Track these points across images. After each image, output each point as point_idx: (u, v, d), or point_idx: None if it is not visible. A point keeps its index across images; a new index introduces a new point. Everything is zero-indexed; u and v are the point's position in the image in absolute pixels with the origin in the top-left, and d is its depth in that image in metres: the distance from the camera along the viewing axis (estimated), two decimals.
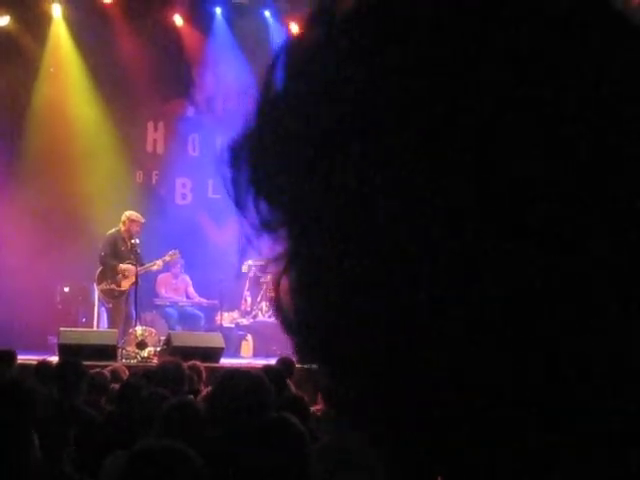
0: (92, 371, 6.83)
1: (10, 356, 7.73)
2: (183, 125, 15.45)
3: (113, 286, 12.21)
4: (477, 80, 0.53)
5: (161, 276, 13.92)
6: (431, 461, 0.56)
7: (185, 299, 14.00)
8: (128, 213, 12.44)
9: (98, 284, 12.30)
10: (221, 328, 12.96)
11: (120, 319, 12.13)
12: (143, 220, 12.49)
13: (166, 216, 14.30)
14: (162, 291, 13.98)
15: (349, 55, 0.56)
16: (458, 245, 0.52)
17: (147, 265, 12.36)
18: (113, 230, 12.42)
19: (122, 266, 12.21)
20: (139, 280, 12.00)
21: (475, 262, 0.52)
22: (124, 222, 12.37)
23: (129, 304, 12.12)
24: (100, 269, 12.31)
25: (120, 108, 14.56)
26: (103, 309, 12.72)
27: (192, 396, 5.66)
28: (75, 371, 6.25)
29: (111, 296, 12.23)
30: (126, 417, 5.19)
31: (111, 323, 12.29)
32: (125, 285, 12.19)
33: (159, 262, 12.53)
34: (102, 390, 6.71)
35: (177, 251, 12.78)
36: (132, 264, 12.03)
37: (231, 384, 3.76)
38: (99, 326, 12.54)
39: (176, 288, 14.09)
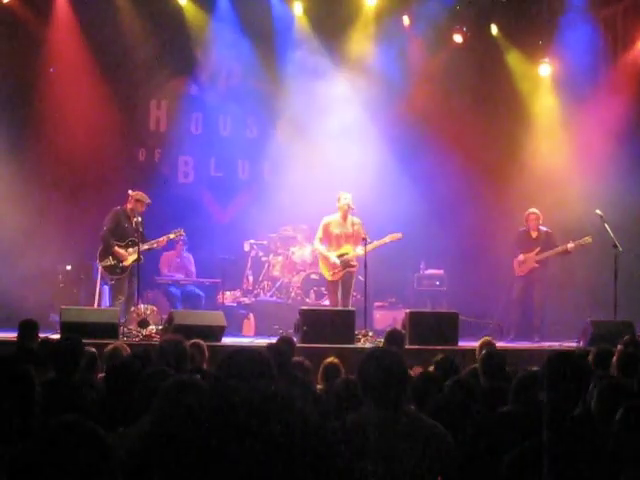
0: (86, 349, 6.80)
1: (35, 326, 8.50)
2: (186, 103, 15.38)
3: (116, 262, 12.16)
4: None
5: (165, 254, 13.92)
6: None
7: (187, 277, 14.00)
8: (134, 193, 12.36)
9: (100, 261, 12.24)
10: (223, 307, 12.98)
11: (122, 297, 12.10)
12: (149, 201, 12.40)
13: (168, 194, 14.27)
14: (164, 270, 13.98)
15: None
16: None
17: (150, 242, 12.29)
18: (118, 207, 12.36)
19: (117, 249, 12.13)
20: (142, 258, 11.96)
21: None
22: (130, 201, 12.30)
23: (131, 282, 12.08)
24: (102, 246, 12.26)
25: (123, 86, 14.52)
26: (105, 287, 12.70)
27: (199, 375, 5.64)
28: (72, 349, 6.23)
29: (113, 272, 12.18)
30: (127, 395, 5.17)
31: (113, 300, 12.26)
32: (128, 261, 12.14)
33: (162, 239, 12.44)
34: (94, 367, 6.72)
35: (181, 229, 12.69)
36: (135, 242, 11.98)
37: (234, 362, 3.73)
38: (101, 305, 12.52)
39: (180, 266, 14.09)
